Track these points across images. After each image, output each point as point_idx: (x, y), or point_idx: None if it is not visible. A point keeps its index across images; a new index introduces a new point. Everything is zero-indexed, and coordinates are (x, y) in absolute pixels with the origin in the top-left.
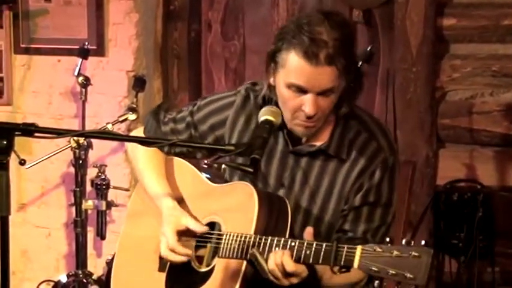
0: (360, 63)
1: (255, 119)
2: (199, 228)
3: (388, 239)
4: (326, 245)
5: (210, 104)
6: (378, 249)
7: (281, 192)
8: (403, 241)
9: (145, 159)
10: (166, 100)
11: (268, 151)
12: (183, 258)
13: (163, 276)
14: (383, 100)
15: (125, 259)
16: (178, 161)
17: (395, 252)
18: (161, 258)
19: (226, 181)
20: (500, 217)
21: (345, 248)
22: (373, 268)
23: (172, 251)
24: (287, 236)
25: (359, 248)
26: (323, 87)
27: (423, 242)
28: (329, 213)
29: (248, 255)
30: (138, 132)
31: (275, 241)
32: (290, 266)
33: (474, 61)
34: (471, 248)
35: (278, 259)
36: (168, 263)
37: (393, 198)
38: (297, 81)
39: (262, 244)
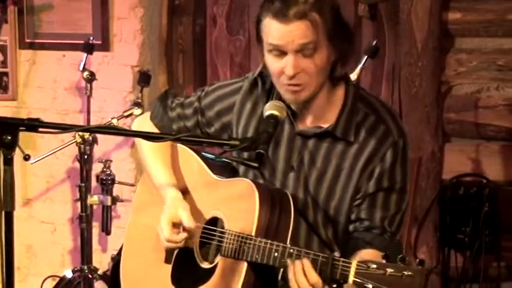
0: (365, 57)
1: (262, 104)
2: (190, 223)
3: (400, 256)
4: (322, 256)
5: (218, 90)
6: (373, 266)
7: (291, 176)
8: (398, 257)
9: (152, 147)
10: (173, 87)
11: (275, 136)
12: (180, 245)
13: (169, 268)
14: (388, 94)
15: (133, 249)
16: (183, 151)
17: (389, 270)
18: (167, 250)
19: (233, 170)
20: (506, 212)
21: (341, 261)
22: (368, 285)
23: (169, 240)
24: (290, 234)
25: (354, 263)
26: (297, 43)
27: (418, 261)
28: (335, 198)
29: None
30: (145, 117)
31: (274, 246)
32: (314, 277)
33: (480, 55)
34: (477, 243)
35: (300, 274)
36: (174, 256)
37: (407, 184)
38: (273, 41)
39: (262, 248)
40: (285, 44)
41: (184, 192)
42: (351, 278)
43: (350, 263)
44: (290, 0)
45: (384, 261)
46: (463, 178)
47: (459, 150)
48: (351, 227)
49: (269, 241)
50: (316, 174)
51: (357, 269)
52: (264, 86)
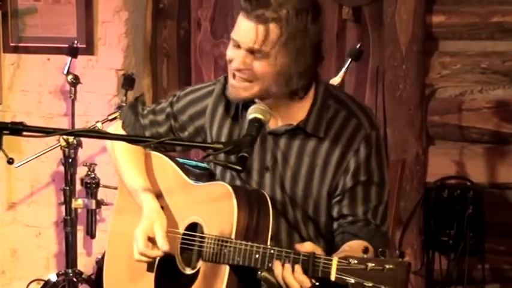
0: (349, 60)
1: (234, 107)
2: (163, 246)
3: (398, 252)
4: (303, 255)
5: (190, 94)
6: (354, 261)
7: (267, 176)
8: (378, 251)
9: (125, 154)
10: (142, 94)
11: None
12: (156, 257)
13: (152, 276)
14: (372, 98)
15: (115, 257)
16: (157, 158)
17: (370, 265)
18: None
19: (210, 175)
20: (490, 214)
21: (322, 259)
22: (350, 281)
23: (142, 255)
24: (269, 235)
25: (335, 259)
26: (248, 44)
27: (398, 253)
28: (313, 195)
29: (258, 276)
30: (117, 127)
31: (255, 247)
32: (307, 283)
33: (463, 58)
34: (461, 245)
35: (289, 278)
36: (156, 263)
37: (385, 176)
38: (232, 35)
39: (242, 250)
40: (239, 40)
41: (159, 197)
42: (333, 275)
43: (331, 260)
44: (263, 1)
45: (365, 256)
46: (447, 181)
47: (443, 153)
48: (335, 225)
49: (249, 243)
50: (291, 173)
51: (338, 265)
52: None
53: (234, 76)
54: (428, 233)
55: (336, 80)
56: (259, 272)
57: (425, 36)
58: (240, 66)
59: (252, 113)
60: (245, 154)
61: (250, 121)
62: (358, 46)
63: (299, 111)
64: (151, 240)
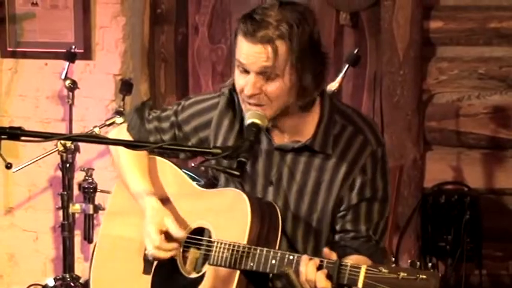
0: (346, 66)
1: (239, 121)
2: (178, 233)
3: (393, 259)
4: (328, 262)
5: (195, 105)
6: (384, 270)
7: (270, 190)
8: (408, 262)
9: (128, 157)
10: (149, 98)
11: (253, 151)
12: (172, 253)
13: (148, 279)
14: (370, 103)
15: (106, 260)
16: (161, 163)
17: (402, 274)
18: (146, 261)
19: (211, 185)
20: (488, 219)
21: (348, 266)
22: None
23: (159, 248)
24: (278, 243)
25: (363, 267)
26: (259, 65)
27: (430, 265)
28: (318, 210)
29: (282, 269)
30: (121, 128)
31: (271, 253)
32: (323, 283)
33: (461, 64)
34: (458, 251)
35: (311, 275)
36: (154, 266)
37: (388, 192)
38: (239, 58)
39: (257, 256)
40: (248, 64)
41: (164, 201)
42: (361, 282)
43: (359, 268)
44: (262, 22)
45: (394, 265)
46: (444, 186)
47: (440, 158)
48: (337, 237)
49: (265, 248)
50: (297, 188)
51: (366, 273)
52: (241, 103)
53: (248, 104)
54: (425, 239)
55: (333, 86)
56: (285, 268)
57: (423, 42)
58: (253, 91)
59: (250, 118)
60: (243, 159)
61: (248, 126)
62: (355, 52)
63: (306, 127)
64: (164, 234)
